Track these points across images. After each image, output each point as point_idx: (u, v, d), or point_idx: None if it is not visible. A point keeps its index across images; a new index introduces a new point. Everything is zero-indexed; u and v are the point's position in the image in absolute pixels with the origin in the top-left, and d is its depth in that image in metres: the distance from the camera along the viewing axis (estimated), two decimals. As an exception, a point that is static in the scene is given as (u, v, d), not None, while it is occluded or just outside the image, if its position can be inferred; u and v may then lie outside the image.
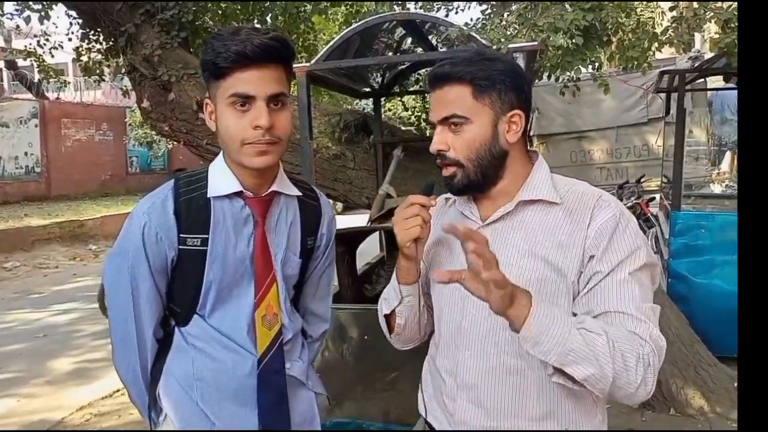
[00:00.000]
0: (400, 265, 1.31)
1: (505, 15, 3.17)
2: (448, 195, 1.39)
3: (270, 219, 1.39)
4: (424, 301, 1.38)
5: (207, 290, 1.34)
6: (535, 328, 1.05)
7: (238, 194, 1.34)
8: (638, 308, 1.14)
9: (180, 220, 1.32)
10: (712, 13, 2.88)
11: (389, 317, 1.39)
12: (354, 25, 2.92)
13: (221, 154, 1.38)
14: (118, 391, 4.12)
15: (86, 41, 4.55)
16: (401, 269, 1.31)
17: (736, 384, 3.44)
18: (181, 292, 1.37)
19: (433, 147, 1.26)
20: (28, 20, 4.78)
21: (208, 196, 1.33)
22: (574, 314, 1.18)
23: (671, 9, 3.44)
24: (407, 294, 1.33)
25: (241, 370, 1.36)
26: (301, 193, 1.45)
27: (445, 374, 1.31)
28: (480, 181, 1.25)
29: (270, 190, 1.37)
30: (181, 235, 1.32)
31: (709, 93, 7.44)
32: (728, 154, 9.47)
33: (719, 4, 2.94)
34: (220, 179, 1.34)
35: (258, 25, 4.87)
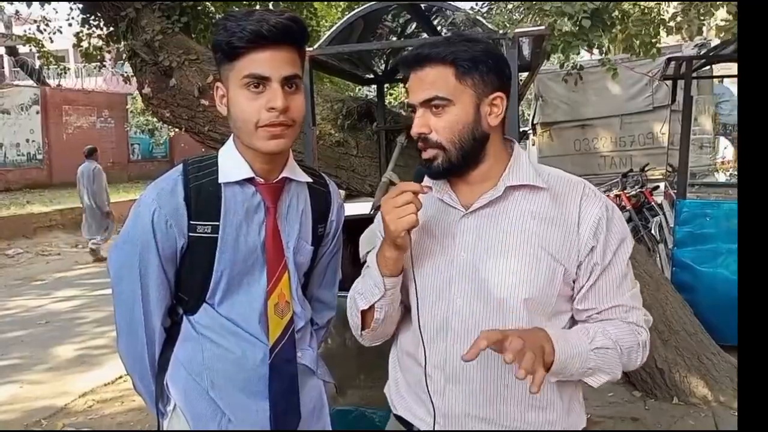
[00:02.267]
0: (385, 257, 1.23)
1: (511, -1, 3.13)
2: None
3: (281, 206, 1.37)
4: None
5: (218, 279, 1.32)
6: (559, 367, 1.13)
7: (249, 181, 1.32)
8: (633, 296, 1.26)
9: (190, 207, 1.29)
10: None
11: (365, 312, 1.31)
12: (357, 10, 2.88)
13: (231, 139, 1.35)
14: (120, 377, 4.13)
15: (87, 26, 4.51)
16: (387, 261, 1.23)
17: (739, 373, 3.43)
18: (190, 280, 1.35)
19: (414, 130, 1.23)
20: (29, 5, 4.74)
21: (220, 181, 1.30)
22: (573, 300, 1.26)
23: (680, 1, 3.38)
24: (391, 287, 1.26)
25: (252, 360, 1.35)
26: (311, 180, 1.43)
27: (430, 368, 1.26)
28: (461, 164, 1.23)
29: (281, 177, 1.35)
30: (191, 222, 1.29)
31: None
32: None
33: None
34: (231, 165, 1.32)
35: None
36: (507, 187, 1.24)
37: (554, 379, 1.18)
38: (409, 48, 3.63)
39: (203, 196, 1.30)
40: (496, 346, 1.06)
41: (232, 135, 1.35)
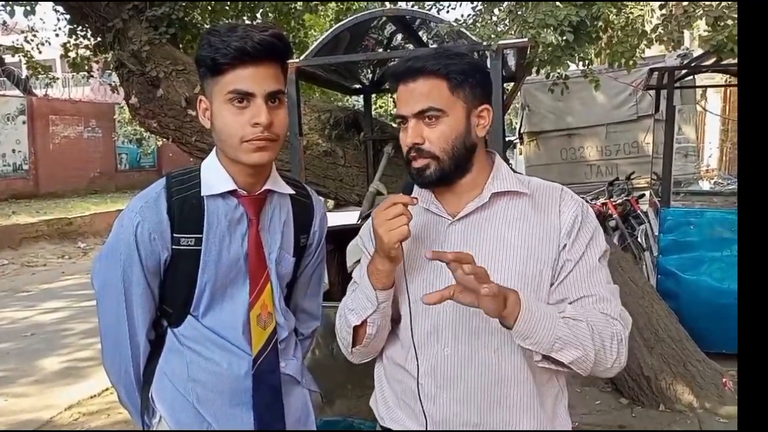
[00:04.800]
0: (378, 270, 1.25)
1: (496, 11, 3.17)
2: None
3: (264, 218, 1.38)
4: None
5: (201, 291, 1.33)
6: (526, 324, 1.13)
7: (232, 193, 1.33)
8: (606, 289, 1.26)
9: (173, 220, 1.30)
10: (702, 11, 2.89)
11: (357, 328, 1.32)
12: (344, 21, 2.91)
13: (213, 152, 1.37)
14: (106, 389, 4.09)
15: (74, 37, 4.50)
16: (380, 273, 1.25)
17: (724, 380, 3.46)
18: (173, 293, 1.36)
19: (409, 140, 1.25)
20: (12, 14, 4.71)
21: (202, 194, 1.31)
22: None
23: (661, 7, 3.45)
24: (384, 300, 1.27)
25: (236, 371, 1.35)
26: (294, 192, 1.44)
27: (422, 376, 1.27)
28: (452, 173, 1.27)
29: (263, 189, 1.36)
30: (175, 235, 1.30)
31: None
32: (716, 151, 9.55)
33: (709, 2, 2.95)
34: (214, 178, 1.33)
35: (248, 22, 4.85)
36: (492, 194, 1.28)
37: (523, 343, 1.15)
38: (395, 59, 3.67)
39: (186, 209, 1.31)
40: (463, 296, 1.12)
41: (215, 147, 1.37)
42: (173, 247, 1.31)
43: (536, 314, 1.13)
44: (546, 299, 1.26)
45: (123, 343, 1.35)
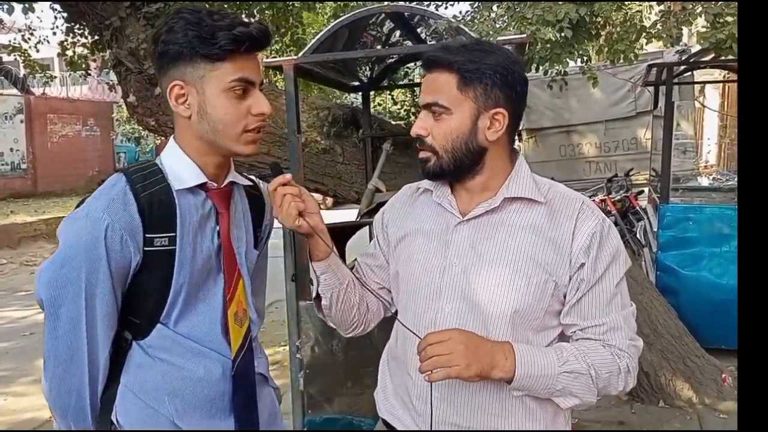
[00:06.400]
0: (308, 245, 1.31)
1: (494, 8, 3.16)
2: (421, 184, 1.36)
3: (232, 211, 1.32)
4: (360, 288, 1.38)
5: (176, 294, 1.23)
6: (521, 384, 1.16)
7: (200, 186, 1.26)
8: (622, 317, 1.23)
9: (144, 219, 1.18)
10: (701, 8, 2.89)
11: (317, 299, 1.39)
12: (342, 18, 2.89)
13: (174, 144, 1.27)
14: (106, 388, 4.09)
15: (71, 35, 4.49)
16: (310, 248, 1.31)
17: (723, 375, 3.47)
18: (143, 300, 1.23)
19: (413, 131, 1.25)
20: (11, 11, 4.69)
21: (175, 188, 1.22)
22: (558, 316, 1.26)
23: (659, 3, 3.45)
24: (321, 272, 1.33)
25: (215, 375, 1.28)
26: (251, 183, 1.40)
27: (414, 372, 1.25)
28: (453, 171, 1.25)
29: (228, 181, 1.31)
30: (147, 236, 1.19)
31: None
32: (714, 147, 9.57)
33: (707, 2, 2.95)
34: (183, 171, 1.24)
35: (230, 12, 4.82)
36: (505, 199, 1.24)
37: (518, 394, 1.21)
38: (394, 56, 3.67)
39: (156, 206, 1.20)
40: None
41: (172, 139, 1.28)
42: (145, 248, 1.19)
43: (532, 377, 1.15)
44: (544, 312, 1.22)
45: (79, 364, 1.20)
